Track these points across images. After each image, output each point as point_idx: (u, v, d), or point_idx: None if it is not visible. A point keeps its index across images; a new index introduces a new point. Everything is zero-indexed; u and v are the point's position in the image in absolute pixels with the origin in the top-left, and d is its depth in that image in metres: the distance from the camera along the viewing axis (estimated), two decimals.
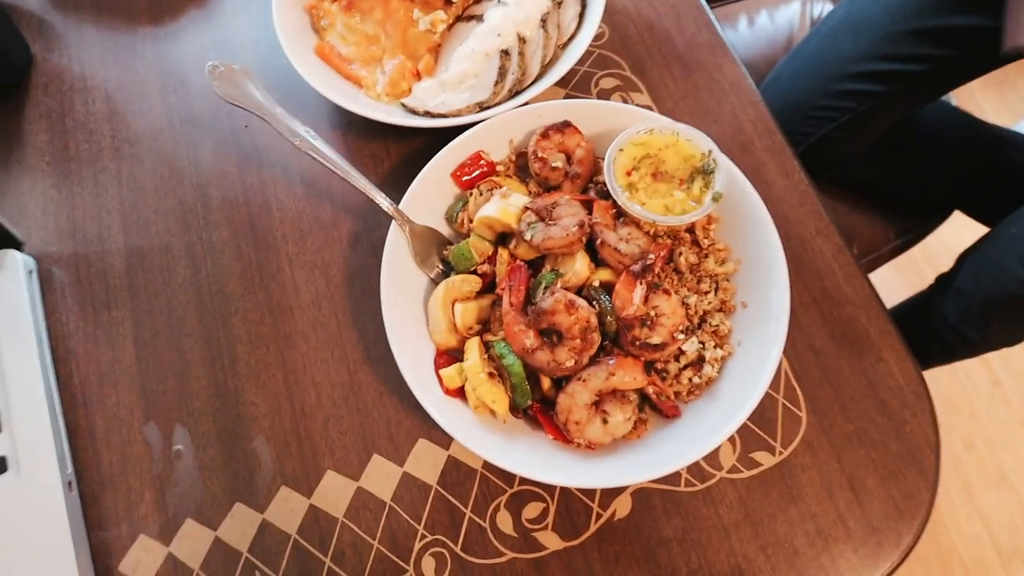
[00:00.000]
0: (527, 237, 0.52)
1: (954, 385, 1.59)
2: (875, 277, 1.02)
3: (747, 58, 1.11)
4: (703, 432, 0.49)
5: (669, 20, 0.71)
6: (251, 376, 0.59)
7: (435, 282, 0.56)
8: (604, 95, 0.68)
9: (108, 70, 0.72)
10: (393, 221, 0.55)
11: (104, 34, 0.74)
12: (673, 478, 0.54)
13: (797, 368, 0.58)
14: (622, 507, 0.54)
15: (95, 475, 0.56)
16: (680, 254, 0.54)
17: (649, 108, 0.67)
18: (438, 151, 0.57)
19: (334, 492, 0.54)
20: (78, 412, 0.58)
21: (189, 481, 0.55)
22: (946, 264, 0.98)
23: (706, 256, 0.55)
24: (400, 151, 0.66)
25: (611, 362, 0.49)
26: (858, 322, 0.59)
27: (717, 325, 0.53)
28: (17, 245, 0.63)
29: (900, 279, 1.58)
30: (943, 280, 0.97)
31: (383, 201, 0.55)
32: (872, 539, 0.53)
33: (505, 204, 0.54)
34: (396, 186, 0.64)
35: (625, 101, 0.68)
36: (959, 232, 1.06)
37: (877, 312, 0.59)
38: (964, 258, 0.91)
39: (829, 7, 1.17)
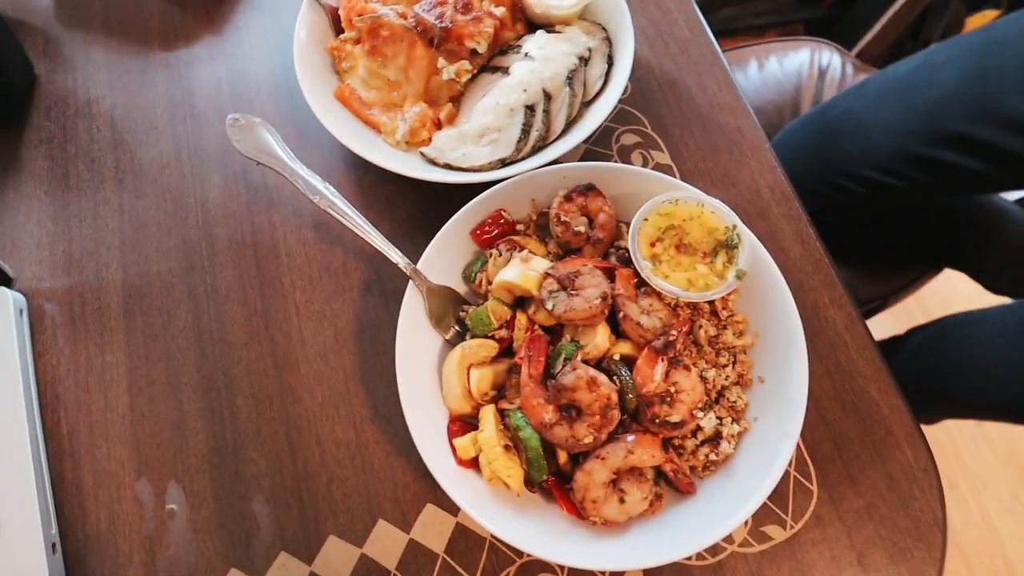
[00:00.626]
0: (549, 307, 0.51)
1: (938, 426, 1.62)
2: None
3: (756, 104, 1.12)
4: (719, 511, 0.49)
5: (691, 78, 0.72)
6: (252, 431, 0.56)
7: (450, 343, 0.55)
8: (625, 151, 0.68)
9: (115, 95, 0.70)
10: (410, 281, 0.53)
11: (113, 57, 0.72)
12: None
13: (809, 440, 0.58)
14: None
15: (80, 534, 0.53)
16: (700, 326, 0.53)
17: (669, 167, 0.67)
18: (456, 203, 0.56)
19: (336, 559, 0.52)
20: (64, 464, 0.55)
21: (182, 544, 0.52)
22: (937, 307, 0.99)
23: (725, 328, 0.55)
24: (416, 198, 0.65)
25: (630, 439, 0.48)
26: (869, 396, 0.59)
27: (735, 401, 0.52)
28: (7, 281, 0.60)
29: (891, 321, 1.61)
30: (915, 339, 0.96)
31: (400, 260, 0.54)
32: None
33: (526, 269, 0.53)
34: (411, 235, 0.63)
35: (645, 159, 0.68)
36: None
37: (888, 386, 0.59)
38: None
39: (836, 58, 1.20)
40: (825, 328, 0.61)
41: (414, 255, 0.61)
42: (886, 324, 1.59)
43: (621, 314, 0.51)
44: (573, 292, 0.51)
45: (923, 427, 0.60)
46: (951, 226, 0.98)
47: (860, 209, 0.83)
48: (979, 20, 1.85)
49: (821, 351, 0.60)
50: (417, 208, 0.64)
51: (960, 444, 1.60)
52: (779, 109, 1.13)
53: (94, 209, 0.64)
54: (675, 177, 0.67)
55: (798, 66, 1.19)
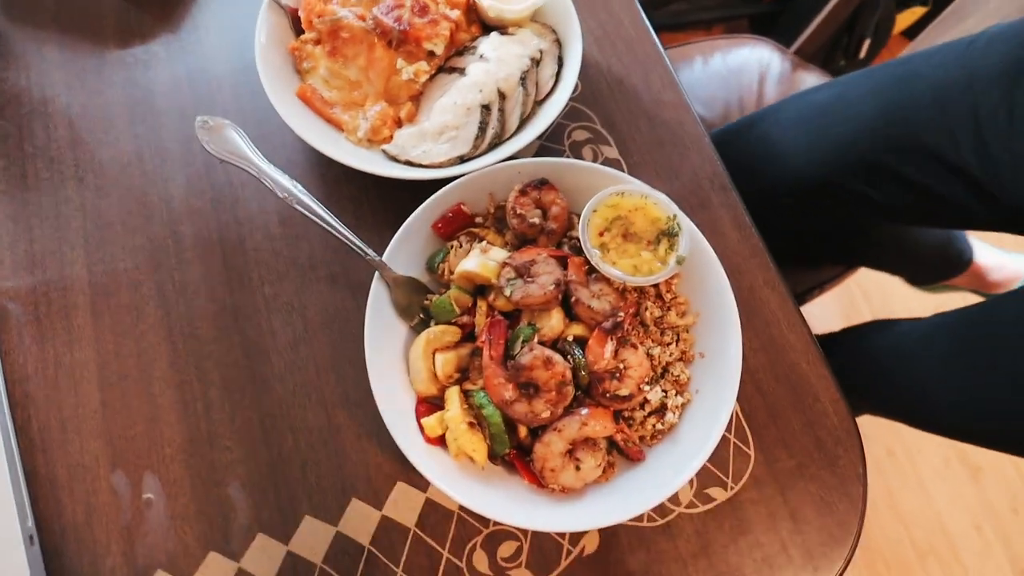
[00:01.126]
0: (507, 293, 0.54)
1: None
2: (811, 306, 1.10)
3: (702, 98, 1.19)
4: (666, 474, 0.54)
5: (637, 76, 0.76)
6: (226, 421, 0.59)
7: (415, 330, 0.58)
8: (576, 147, 0.72)
9: (72, 94, 0.69)
10: (376, 273, 0.56)
11: (68, 55, 0.71)
12: None
13: (747, 409, 0.64)
14: (591, 543, 0.57)
15: (57, 527, 0.54)
16: (646, 308, 0.58)
17: (618, 161, 0.72)
18: (417, 198, 0.59)
19: (312, 538, 0.55)
20: (37, 460, 0.56)
21: (160, 531, 0.54)
22: (878, 297, 1.07)
23: (668, 309, 0.60)
24: (379, 194, 0.67)
25: (584, 412, 0.53)
26: (800, 368, 0.65)
27: (678, 375, 0.58)
28: None
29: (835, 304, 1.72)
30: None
31: (367, 252, 0.56)
32: (810, 564, 0.59)
33: (485, 259, 0.57)
34: (375, 228, 0.66)
35: (596, 154, 0.72)
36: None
37: (815, 359, 0.66)
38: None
39: (776, 56, 1.27)
40: (760, 307, 0.67)
41: (379, 247, 0.64)
42: (830, 307, 1.70)
43: (574, 299, 0.55)
44: (529, 279, 0.55)
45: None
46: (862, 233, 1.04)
47: (782, 220, 0.83)
48: (908, 17, 1.98)
49: (757, 327, 0.66)
50: (380, 203, 0.67)
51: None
52: (725, 104, 1.20)
53: (55, 208, 0.65)
54: (623, 170, 0.71)
55: (740, 63, 1.26)
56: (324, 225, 0.55)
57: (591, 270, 0.58)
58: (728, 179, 0.72)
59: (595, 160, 0.72)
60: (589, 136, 0.73)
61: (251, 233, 0.65)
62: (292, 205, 0.53)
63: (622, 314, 0.55)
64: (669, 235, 0.58)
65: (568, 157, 0.71)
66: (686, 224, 0.58)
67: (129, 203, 0.65)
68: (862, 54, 1.97)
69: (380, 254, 0.57)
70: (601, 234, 0.58)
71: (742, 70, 1.25)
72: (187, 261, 0.64)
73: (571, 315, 0.57)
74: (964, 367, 0.71)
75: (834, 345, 0.98)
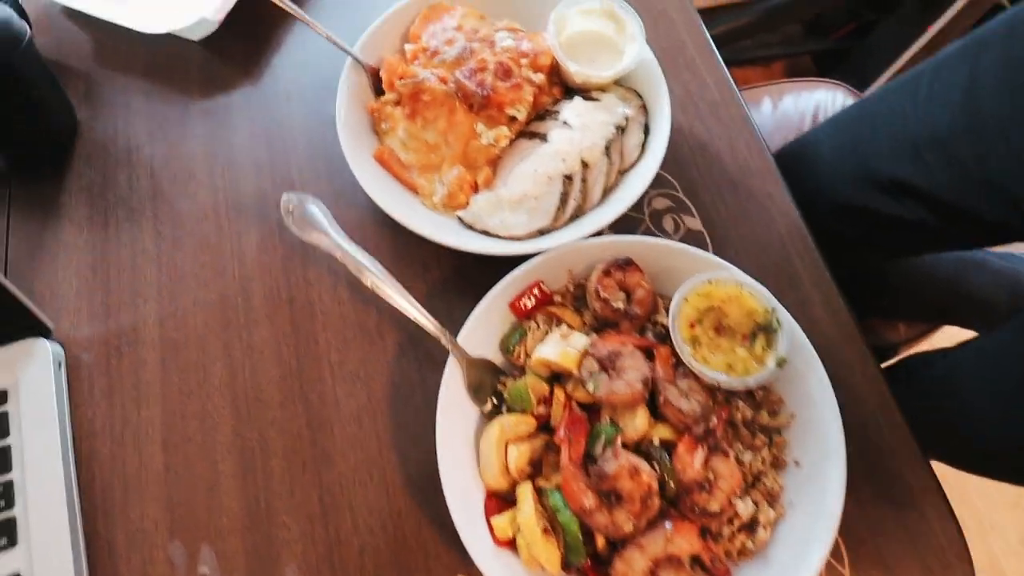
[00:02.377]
0: (590, 389, 0.51)
1: (948, 468, 1.62)
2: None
3: (771, 142, 1.13)
4: None
5: (722, 141, 0.72)
6: (285, 495, 0.56)
7: (486, 417, 0.55)
8: (657, 216, 0.68)
9: (155, 144, 0.70)
10: (450, 355, 0.53)
11: (154, 105, 0.72)
12: None
13: (842, 521, 0.57)
14: None
15: None
16: (736, 408, 0.54)
17: (700, 233, 0.68)
18: (491, 266, 0.56)
19: None
20: (98, 522, 0.55)
21: None
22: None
23: (760, 407, 0.55)
24: (451, 259, 0.65)
25: (668, 527, 0.48)
26: (903, 478, 0.59)
27: (771, 486, 0.52)
28: (46, 332, 0.60)
29: None
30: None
31: (440, 335, 0.54)
32: None
33: (565, 346, 0.53)
34: (445, 297, 0.64)
35: (677, 224, 0.68)
36: None
37: (920, 468, 0.59)
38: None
39: (850, 101, 1.21)
40: (857, 406, 0.61)
41: (447, 315, 0.61)
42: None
43: (662, 398, 0.51)
44: (614, 374, 0.51)
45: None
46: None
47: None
48: None
49: (853, 428, 0.60)
50: (452, 269, 0.65)
51: (969, 486, 1.59)
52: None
53: (132, 259, 0.65)
54: (707, 243, 0.67)
55: (813, 107, 1.20)
56: (402, 309, 0.53)
57: (679, 362, 0.53)
58: (819, 256, 0.67)
59: (676, 231, 0.68)
60: (670, 204, 0.69)
61: (320, 295, 0.63)
62: (369, 287, 0.51)
63: (715, 419, 0.50)
64: (766, 330, 0.53)
65: (647, 225, 0.68)
66: (786, 319, 0.53)
67: (203, 256, 0.65)
68: None
69: (450, 327, 0.54)
70: (692, 326, 0.53)
71: (814, 114, 1.19)
72: (255, 321, 0.63)
73: (656, 413, 0.52)
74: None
75: (899, 372, 0.91)
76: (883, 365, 1.02)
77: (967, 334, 1.00)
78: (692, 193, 0.70)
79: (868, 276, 0.97)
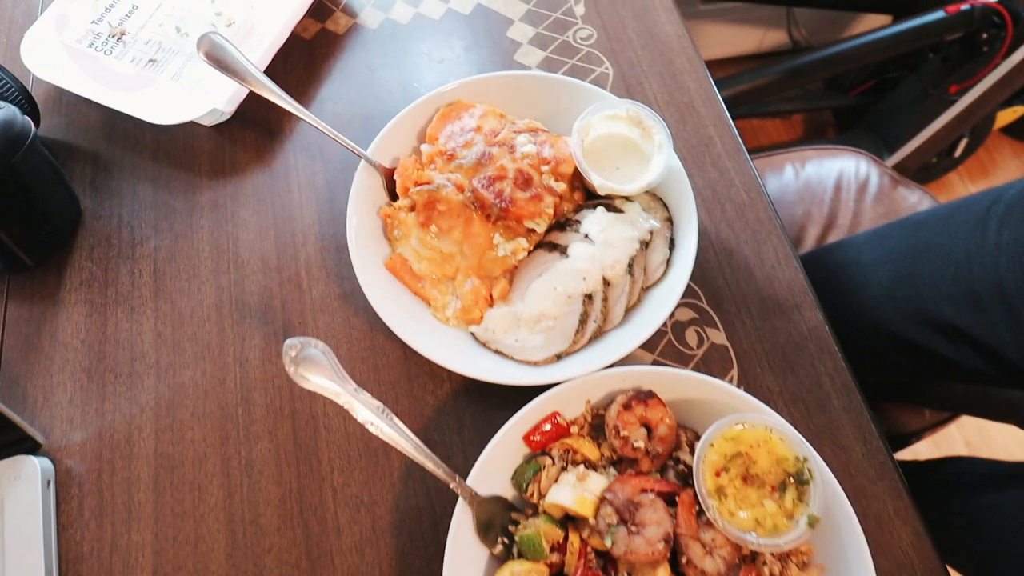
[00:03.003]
0: (607, 543, 0.48)
1: None
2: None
3: (790, 214, 1.11)
4: None
5: (748, 247, 0.69)
6: None
7: (497, 558, 0.52)
8: (679, 328, 0.65)
9: (160, 237, 0.68)
10: (460, 499, 0.50)
11: (161, 195, 0.70)
12: None
13: None
14: None
15: None
16: (764, 563, 0.50)
17: (725, 348, 0.65)
18: (504, 388, 0.53)
19: None
20: None
21: None
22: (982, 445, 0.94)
23: (788, 559, 0.51)
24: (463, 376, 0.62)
25: None
26: None
27: None
28: (36, 446, 0.57)
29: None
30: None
31: (451, 481, 0.51)
32: None
33: (581, 490, 0.50)
34: (456, 414, 0.61)
35: (700, 337, 0.65)
36: None
37: None
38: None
39: (874, 170, 1.18)
40: (889, 544, 0.57)
41: (458, 435, 0.58)
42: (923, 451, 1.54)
43: (684, 558, 0.48)
44: (633, 529, 0.48)
45: None
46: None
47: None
48: (1009, 115, 1.84)
49: (886, 570, 0.57)
50: (463, 383, 0.62)
51: None
52: (817, 219, 1.11)
53: (130, 364, 0.62)
54: (731, 359, 0.64)
55: (836, 176, 1.18)
56: (414, 458, 0.50)
57: (702, 511, 0.50)
58: (851, 376, 0.63)
59: (700, 345, 0.65)
60: (694, 316, 0.66)
61: (324, 409, 0.61)
62: (374, 434, 0.48)
63: None
64: (798, 480, 0.50)
65: (669, 338, 0.65)
66: (819, 469, 0.50)
67: (204, 363, 0.62)
68: (957, 153, 1.84)
69: (459, 449, 0.51)
70: (717, 474, 0.50)
71: (837, 184, 1.17)
72: (256, 435, 0.60)
73: (678, 570, 0.49)
74: None
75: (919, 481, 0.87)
76: (907, 455, 0.97)
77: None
78: (716, 304, 0.67)
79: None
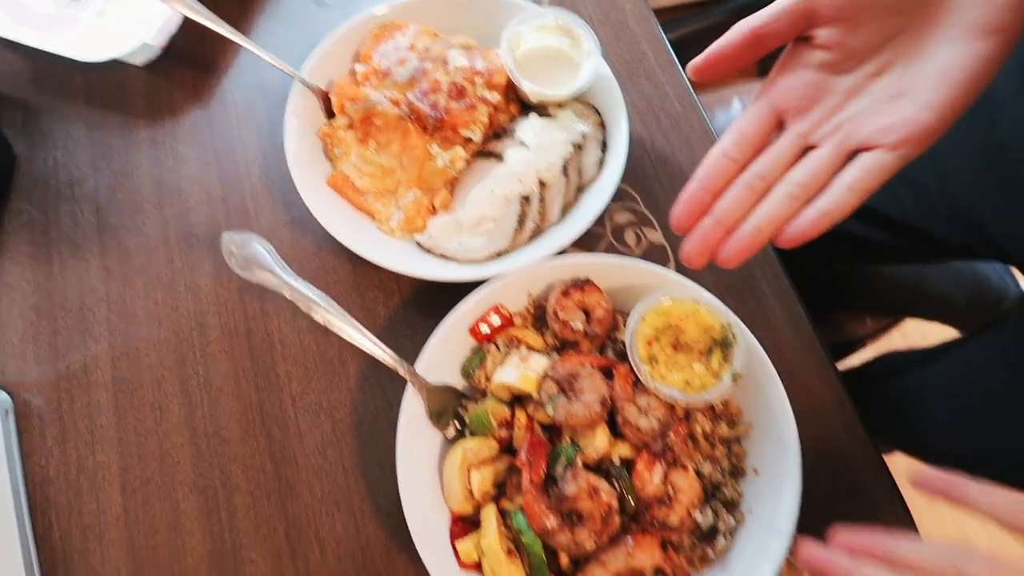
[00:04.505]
0: (549, 412, 0.51)
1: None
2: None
3: None
4: None
5: (683, 155, 0.73)
6: (250, 531, 0.56)
7: (449, 441, 0.55)
8: (618, 230, 0.69)
9: (100, 177, 0.68)
10: (408, 384, 0.53)
11: (96, 135, 0.70)
12: None
13: (800, 522, 0.59)
14: None
15: None
16: (696, 421, 0.55)
17: (663, 247, 0.68)
18: (451, 289, 0.56)
19: None
20: (57, 571, 0.54)
21: None
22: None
23: (719, 419, 0.56)
24: (412, 282, 0.65)
25: (630, 542, 0.49)
26: (862, 481, 0.60)
27: (730, 495, 0.54)
28: None
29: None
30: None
31: (398, 365, 0.53)
32: None
33: (524, 369, 0.53)
34: (407, 320, 0.63)
35: (639, 237, 0.68)
36: None
37: (879, 469, 0.61)
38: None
39: None
40: (817, 412, 0.63)
41: (411, 340, 0.61)
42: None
43: (620, 418, 0.52)
44: (573, 396, 0.51)
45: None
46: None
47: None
48: None
49: (813, 433, 0.61)
50: (412, 292, 0.64)
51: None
52: None
53: (80, 299, 0.63)
54: (668, 257, 0.68)
55: None
56: (357, 344, 0.52)
57: (638, 380, 0.54)
58: (780, 265, 0.68)
59: (638, 244, 0.68)
60: (632, 219, 0.69)
61: (279, 326, 0.62)
62: (321, 323, 0.50)
63: (672, 435, 0.51)
64: (723, 345, 0.54)
65: (609, 240, 0.68)
66: (742, 333, 0.54)
67: (155, 292, 0.63)
68: None
69: (413, 350, 0.54)
70: (649, 344, 0.54)
71: None
72: (212, 356, 0.61)
73: (617, 432, 0.53)
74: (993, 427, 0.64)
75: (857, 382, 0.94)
76: (854, 361, 1.04)
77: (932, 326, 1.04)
78: (654, 206, 0.70)
79: (830, 280, 0.99)
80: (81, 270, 0.64)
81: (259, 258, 0.48)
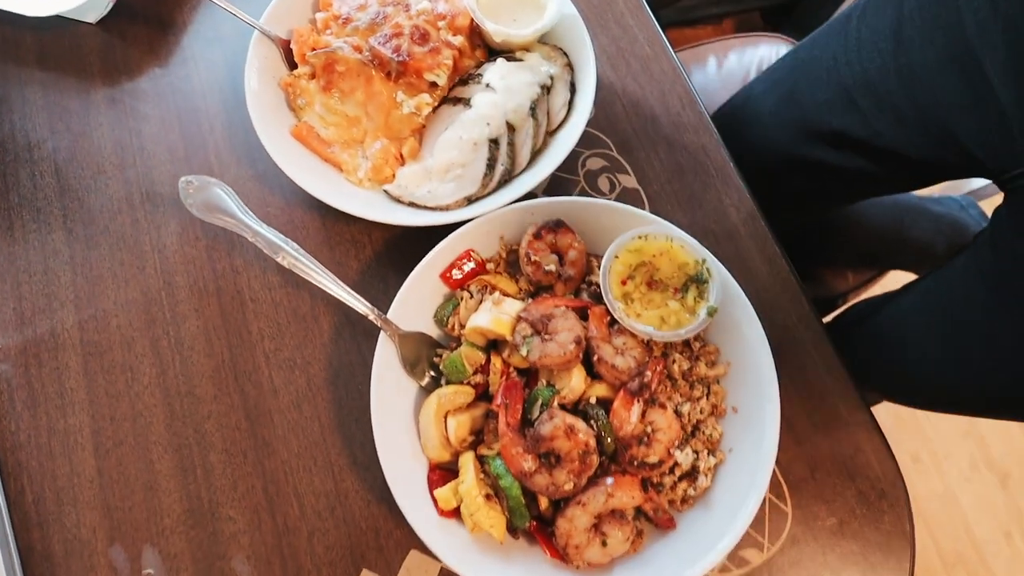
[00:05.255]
0: (523, 353, 0.50)
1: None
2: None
3: (718, 102, 1.13)
4: (699, 543, 0.50)
5: (654, 98, 0.71)
6: (227, 488, 0.55)
7: (425, 389, 0.54)
8: (591, 176, 0.67)
9: (57, 138, 0.66)
10: (381, 332, 0.52)
11: (52, 97, 0.68)
12: None
13: (783, 461, 0.59)
14: None
15: None
16: (673, 361, 0.54)
17: (636, 191, 0.67)
18: (423, 238, 0.55)
19: None
20: (32, 535, 0.53)
21: None
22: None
23: (697, 359, 0.55)
24: (383, 235, 0.63)
25: (609, 483, 0.49)
26: (839, 414, 0.60)
27: (710, 433, 0.53)
28: None
29: None
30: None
31: (368, 311, 0.52)
32: None
33: (498, 312, 0.52)
34: (379, 273, 0.62)
35: (613, 183, 0.67)
36: None
37: (855, 403, 0.61)
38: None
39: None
40: (795, 348, 0.62)
41: (384, 294, 0.59)
42: None
43: (596, 357, 0.51)
44: (547, 336, 0.51)
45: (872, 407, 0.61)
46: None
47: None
48: None
49: (791, 371, 0.61)
50: (384, 245, 0.63)
51: (921, 417, 1.66)
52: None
53: (43, 263, 0.61)
54: (643, 201, 0.67)
55: (757, 62, 1.19)
56: (321, 285, 0.51)
57: (613, 321, 0.53)
58: (757, 207, 0.67)
59: (612, 190, 0.67)
60: (605, 164, 0.68)
61: (249, 283, 0.61)
62: (286, 266, 0.49)
63: (649, 373, 0.50)
64: (698, 281, 0.53)
65: (583, 186, 0.67)
66: (716, 268, 0.53)
67: (121, 253, 0.62)
68: None
69: (386, 304, 0.53)
70: (624, 282, 0.53)
71: (759, 69, 1.19)
72: (182, 315, 0.60)
73: (593, 373, 0.52)
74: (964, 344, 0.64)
75: (836, 329, 0.93)
76: (834, 312, 1.04)
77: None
78: (626, 151, 0.69)
79: (809, 229, 0.98)
80: (44, 233, 0.62)
81: (218, 201, 0.46)
